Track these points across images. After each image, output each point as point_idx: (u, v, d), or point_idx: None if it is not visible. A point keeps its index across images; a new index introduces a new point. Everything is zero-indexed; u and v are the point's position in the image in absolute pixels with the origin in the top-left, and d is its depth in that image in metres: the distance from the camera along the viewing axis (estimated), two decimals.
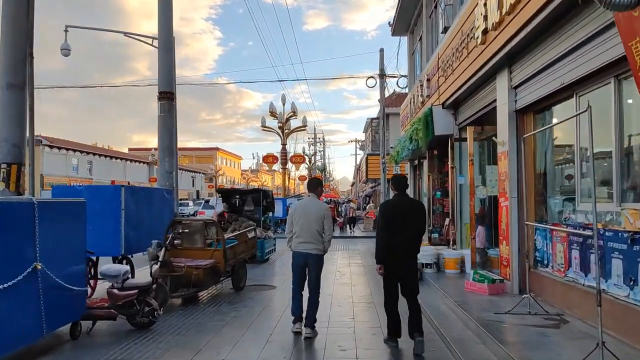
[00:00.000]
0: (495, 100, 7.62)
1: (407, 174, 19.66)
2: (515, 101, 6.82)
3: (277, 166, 31.71)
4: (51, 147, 42.69)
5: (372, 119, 30.11)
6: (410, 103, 14.32)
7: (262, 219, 14.38)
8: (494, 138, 7.10)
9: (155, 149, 53.56)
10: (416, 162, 15.87)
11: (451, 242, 10.00)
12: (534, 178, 6.67)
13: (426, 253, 9.07)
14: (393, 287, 5.06)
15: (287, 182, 42.32)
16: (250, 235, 9.82)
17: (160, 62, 10.42)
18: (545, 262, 6.28)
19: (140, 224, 8.13)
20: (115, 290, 6.11)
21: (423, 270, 8.97)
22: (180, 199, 59.73)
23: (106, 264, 6.58)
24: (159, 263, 7.27)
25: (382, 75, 18.01)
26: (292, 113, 28.39)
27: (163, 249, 7.42)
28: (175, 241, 8.35)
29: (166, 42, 10.35)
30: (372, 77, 18.10)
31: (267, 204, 14.17)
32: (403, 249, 4.95)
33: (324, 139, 66.14)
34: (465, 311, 5.94)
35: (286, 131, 28.68)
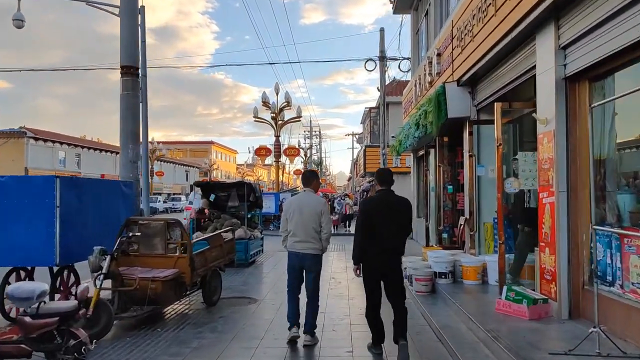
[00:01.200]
0: (531, 69, 6.01)
1: (410, 167, 18.10)
2: (565, 65, 5.20)
3: (270, 159, 30.10)
4: (36, 139, 41.08)
5: (371, 108, 28.39)
6: (415, 86, 12.69)
7: (249, 216, 12.77)
8: (534, 115, 5.48)
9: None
10: (421, 152, 14.25)
11: (468, 245, 8.40)
12: (591, 167, 5.06)
13: (440, 259, 7.47)
14: (375, 289, 4.81)
15: (281, 176, 40.63)
16: (228, 236, 8.19)
17: (123, 31, 8.73)
18: (610, 278, 4.69)
19: (84, 225, 6.50)
20: (28, 318, 4.48)
21: (436, 280, 7.37)
22: (174, 194, 58.81)
23: (16, 283, 4.97)
24: (101, 276, 5.69)
25: (383, 58, 16.33)
26: (286, 103, 26.76)
27: (108, 257, 5.82)
28: (134, 246, 6.76)
29: (128, 5, 8.66)
30: (371, 59, 16.42)
31: (253, 199, 12.53)
32: (390, 245, 4.71)
33: (320, 132, 64.28)
34: (504, 348, 4.34)
35: (279, 122, 27.08)
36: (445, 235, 10.43)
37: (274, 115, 26.43)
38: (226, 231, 8.52)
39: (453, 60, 8.74)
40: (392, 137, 15.29)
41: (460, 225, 9.01)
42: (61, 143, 44.14)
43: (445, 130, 9.66)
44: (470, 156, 8.16)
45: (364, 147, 28.85)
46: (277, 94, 27.06)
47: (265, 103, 26.01)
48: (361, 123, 38.97)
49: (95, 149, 48.98)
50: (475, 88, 8.38)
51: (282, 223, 5.47)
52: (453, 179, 10.13)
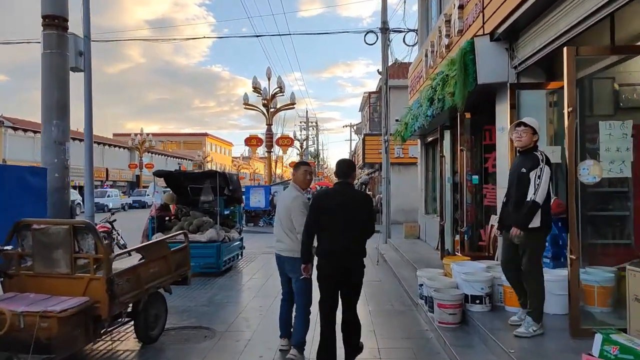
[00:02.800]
0: None
1: (414, 158, 16.05)
2: None
3: (262, 150, 27.95)
4: (15, 129, 38.81)
5: (370, 93, 26.13)
6: (425, 55, 10.52)
7: (226, 212, 10.63)
8: None
9: (137, 133, 49.90)
10: (431, 137, 12.08)
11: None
12: None
13: (472, 277, 5.34)
14: (332, 299, 4.16)
15: (276, 169, 38.57)
16: (178, 242, 6.02)
17: None
18: None
19: None
20: None
21: (467, 307, 5.25)
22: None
23: None
24: None
25: (385, 29, 14.14)
26: (278, 89, 24.61)
27: None
28: (28, 262, 4.64)
29: None
30: (371, 31, 14.23)
31: (229, 192, 10.37)
32: (344, 245, 4.07)
33: (317, 123, 62.10)
34: None
35: (272, 110, 24.92)
36: (465, 237, 8.31)
37: (266, 102, 24.28)
38: (176, 235, 6.35)
39: (484, 8, 6.58)
40: (396, 120, 13.14)
41: (491, 226, 6.90)
42: None
43: (468, 104, 7.52)
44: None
45: (362, 137, 26.70)
46: (269, 79, 24.91)
47: (256, 88, 23.83)
48: (359, 111, 36.69)
49: (81, 140, 46.59)
50: (515, 43, 6.23)
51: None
52: (479, 167, 8.00)
